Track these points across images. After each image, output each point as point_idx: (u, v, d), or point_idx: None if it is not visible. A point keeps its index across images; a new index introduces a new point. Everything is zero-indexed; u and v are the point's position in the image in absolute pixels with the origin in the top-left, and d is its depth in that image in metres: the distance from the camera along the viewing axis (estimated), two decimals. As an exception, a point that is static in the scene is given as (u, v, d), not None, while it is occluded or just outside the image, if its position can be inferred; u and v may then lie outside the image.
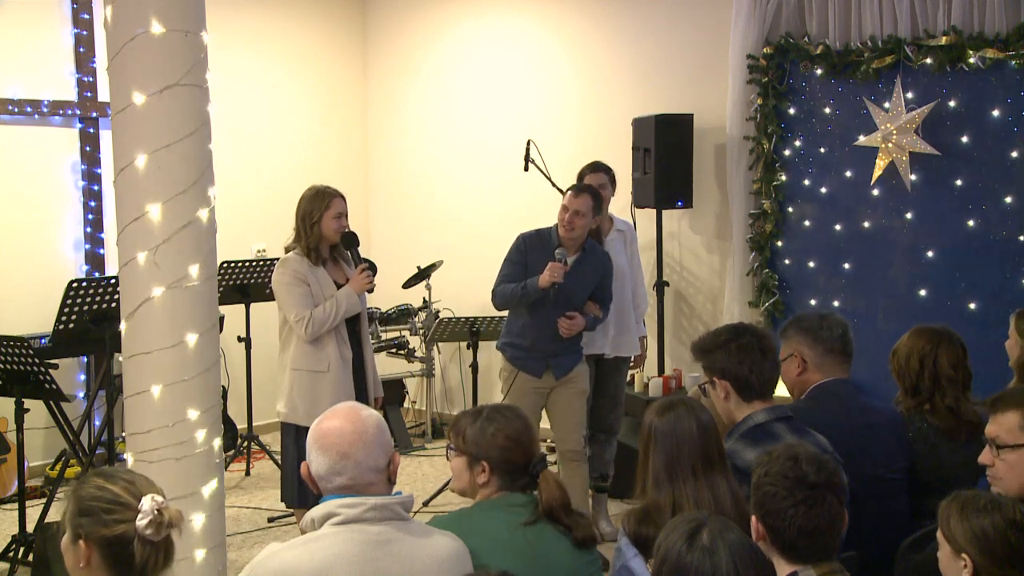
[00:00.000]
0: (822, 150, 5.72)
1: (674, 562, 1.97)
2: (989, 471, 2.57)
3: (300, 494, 4.34)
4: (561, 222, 4.62)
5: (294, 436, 4.36)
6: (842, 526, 2.22)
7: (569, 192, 4.68)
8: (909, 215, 5.46)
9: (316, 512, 2.22)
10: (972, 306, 5.28)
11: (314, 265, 4.33)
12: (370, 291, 4.43)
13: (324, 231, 4.33)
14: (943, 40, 5.19)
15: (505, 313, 5.12)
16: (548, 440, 5.14)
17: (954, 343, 3.30)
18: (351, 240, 4.44)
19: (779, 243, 5.89)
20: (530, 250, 4.69)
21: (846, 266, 5.70)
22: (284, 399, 4.36)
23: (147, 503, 1.98)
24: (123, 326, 3.31)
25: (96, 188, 6.34)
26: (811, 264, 5.82)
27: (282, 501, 4.54)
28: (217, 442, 3.40)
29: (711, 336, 3.04)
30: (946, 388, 3.24)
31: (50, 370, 4.46)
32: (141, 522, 1.97)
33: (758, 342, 2.97)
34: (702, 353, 3.03)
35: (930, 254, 5.42)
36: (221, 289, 5.48)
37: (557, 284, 4.52)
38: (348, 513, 2.17)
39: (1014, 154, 5.14)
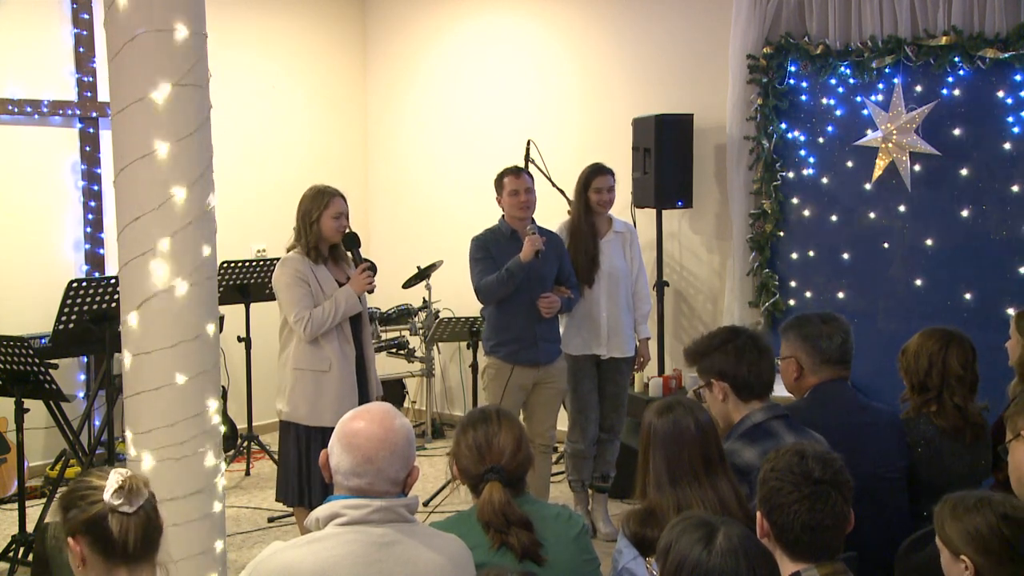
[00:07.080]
0: (822, 150, 5.72)
1: (693, 568, 1.91)
2: None
3: (299, 493, 4.34)
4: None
5: (294, 435, 4.36)
6: (846, 525, 2.22)
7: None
8: (909, 215, 5.46)
9: (321, 512, 2.21)
10: (973, 306, 5.28)
11: (315, 264, 4.35)
12: (370, 291, 4.43)
13: (323, 231, 4.34)
14: (943, 40, 5.19)
15: None
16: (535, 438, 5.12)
17: (964, 345, 3.32)
18: (352, 241, 4.45)
19: (779, 243, 5.89)
20: (490, 245, 4.83)
21: (846, 266, 5.70)
22: (285, 398, 4.35)
23: (112, 476, 2.02)
24: (123, 326, 3.31)
25: (96, 188, 6.34)
26: (811, 264, 5.82)
27: (277, 500, 4.51)
28: (218, 442, 3.40)
29: (706, 340, 3.07)
30: (954, 387, 3.26)
31: (50, 370, 4.46)
32: (107, 494, 2.00)
33: (754, 343, 3.01)
34: (698, 356, 3.05)
35: (930, 254, 5.42)
36: (221, 289, 5.48)
37: (541, 253, 4.68)
38: (353, 514, 2.17)
39: (1014, 154, 5.14)
